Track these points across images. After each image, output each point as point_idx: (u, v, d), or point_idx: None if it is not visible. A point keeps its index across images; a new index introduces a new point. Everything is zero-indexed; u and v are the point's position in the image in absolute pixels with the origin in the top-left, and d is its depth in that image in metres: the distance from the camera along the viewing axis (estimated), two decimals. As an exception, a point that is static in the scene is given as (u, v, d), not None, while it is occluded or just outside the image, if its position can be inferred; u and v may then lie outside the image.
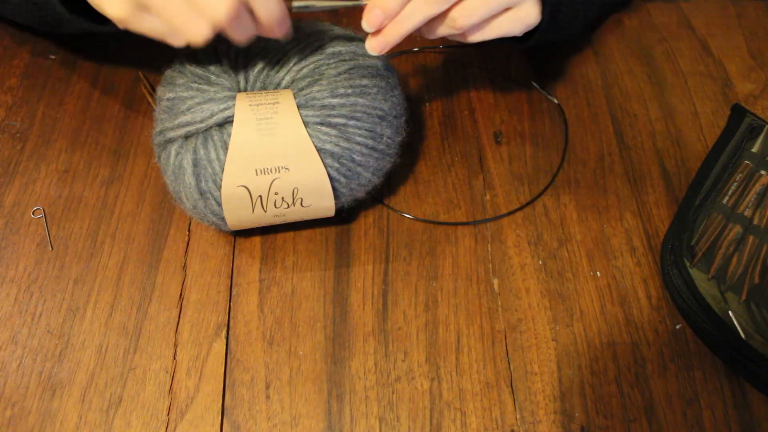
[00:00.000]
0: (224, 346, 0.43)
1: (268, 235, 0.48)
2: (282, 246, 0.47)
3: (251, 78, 0.42)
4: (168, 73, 0.44)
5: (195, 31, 0.37)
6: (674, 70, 0.58)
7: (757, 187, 0.47)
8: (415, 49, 0.59)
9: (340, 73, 0.42)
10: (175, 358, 0.42)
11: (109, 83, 0.56)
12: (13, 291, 0.45)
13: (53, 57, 0.58)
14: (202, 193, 0.41)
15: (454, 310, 0.44)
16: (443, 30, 0.42)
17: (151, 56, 0.57)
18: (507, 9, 0.42)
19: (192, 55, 0.44)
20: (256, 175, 0.40)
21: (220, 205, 0.41)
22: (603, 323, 0.44)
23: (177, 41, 0.38)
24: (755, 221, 0.46)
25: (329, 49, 0.43)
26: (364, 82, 0.42)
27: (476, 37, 0.43)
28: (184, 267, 0.46)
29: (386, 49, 0.41)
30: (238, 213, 0.41)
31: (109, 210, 0.49)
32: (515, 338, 0.43)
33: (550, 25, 0.45)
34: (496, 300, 0.45)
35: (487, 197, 0.50)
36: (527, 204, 0.49)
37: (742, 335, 0.41)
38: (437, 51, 0.59)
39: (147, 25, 0.38)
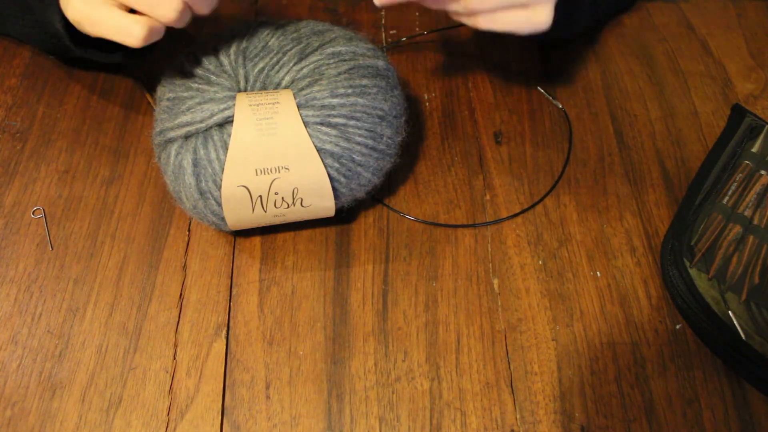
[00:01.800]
0: (224, 346, 0.43)
1: (268, 235, 0.48)
2: (282, 246, 0.47)
3: (251, 78, 0.42)
4: (168, 72, 0.44)
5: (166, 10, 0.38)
6: (674, 70, 0.58)
7: (757, 187, 0.47)
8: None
9: (340, 73, 0.42)
10: (175, 358, 0.42)
11: (109, 83, 0.56)
12: (13, 291, 0.45)
13: (53, 57, 0.58)
14: (202, 193, 0.41)
15: (454, 310, 0.44)
16: (452, 5, 0.42)
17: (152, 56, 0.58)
18: (522, 6, 0.42)
19: (192, 54, 0.44)
20: (256, 175, 0.40)
21: (220, 205, 0.41)
22: (603, 323, 0.44)
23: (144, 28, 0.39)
24: (755, 221, 0.46)
25: (329, 49, 0.43)
26: (364, 82, 0.42)
27: (484, 25, 0.42)
28: (184, 267, 0.46)
29: (390, 4, 0.41)
30: (238, 213, 0.41)
31: (109, 210, 0.49)
32: (515, 338, 0.43)
33: (558, 26, 0.45)
34: (496, 300, 0.45)
35: (487, 197, 0.50)
36: (528, 208, 0.49)
37: (742, 335, 0.41)
38: (436, 50, 0.59)
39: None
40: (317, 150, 0.40)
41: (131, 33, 0.38)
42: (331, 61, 0.42)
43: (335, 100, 0.41)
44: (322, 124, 0.41)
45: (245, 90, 0.42)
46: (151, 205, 0.49)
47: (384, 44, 0.59)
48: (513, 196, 0.50)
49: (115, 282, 0.45)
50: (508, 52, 0.59)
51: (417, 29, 0.60)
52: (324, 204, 0.43)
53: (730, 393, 0.41)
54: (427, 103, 0.55)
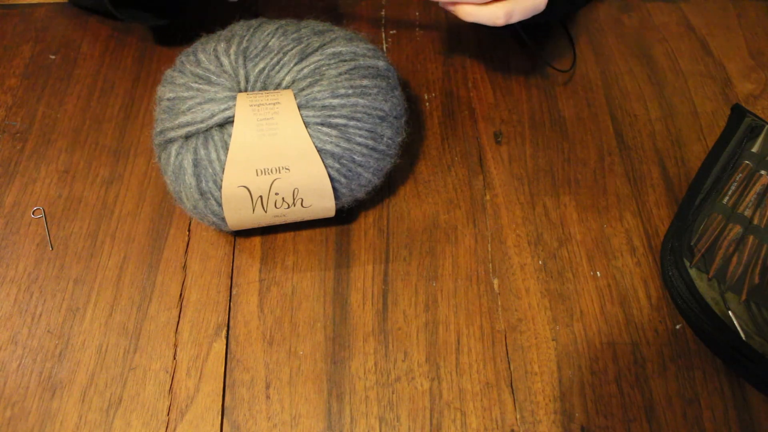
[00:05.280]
0: (224, 346, 0.43)
1: (268, 235, 0.48)
2: (282, 246, 0.47)
3: (252, 78, 0.42)
4: (168, 72, 0.44)
5: None
6: (674, 70, 0.58)
7: (757, 187, 0.47)
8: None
9: (340, 74, 0.42)
10: (175, 358, 0.42)
11: (109, 83, 0.56)
12: (13, 291, 0.45)
13: (53, 57, 0.58)
14: (202, 194, 0.41)
15: (454, 310, 0.44)
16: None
17: (152, 56, 0.58)
18: None
19: (192, 54, 0.44)
20: (257, 175, 0.40)
21: (220, 205, 0.41)
22: (603, 323, 0.44)
23: None
24: (755, 221, 0.46)
25: (330, 50, 0.43)
26: (365, 82, 0.42)
27: (504, 19, 0.45)
28: (184, 267, 0.46)
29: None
30: (238, 213, 0.41)
31: (109, 210, 0.49)
32: (515, 338, 0.43)
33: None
34: (496, 300, 0.45)
35: (487, 197, 0.50)
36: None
37: (742, 335, 0.41)
38: (436, 50, 0.59)
39: None
40: (318, 150, 0.40)
41: None
42: (332, 61, 0.42)
43: (336, 101, 0.41)
44: (322, 124, 0.41)
45: (246, 90, 0.42)
46: (151, 205, 0.49)
47: (384, 44, 0.59)
48: (513, 196, 0.50)
49: (115, 282, 0.45)
50: (508, 52, 0.59)
51: (417, 29, 0.60)
52: (324, 204, 0.43)
53: (730, 393, 0.42)
54: (427, 103, 0.55)
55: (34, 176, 0.50)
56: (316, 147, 0.40)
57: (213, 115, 0.40)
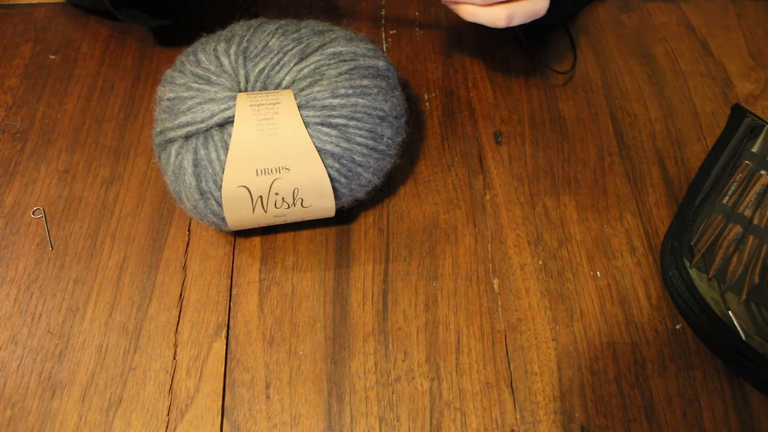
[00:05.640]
0: (224, 346, 0.43)
1: (268, 235, 0.48)
2: (282, 246, 0.47)
3: (252, 78, 0.42)
4: (168, 72, 0.44)
5: None
6: (674, 70, 0.58)
7: (757, 187, 0.47)
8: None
9: (340, 74, 0.42)
10: (175, 358, 0.42)
11: (109, 83, 0.56)
12: (13, 291, 0.45)
13: (53, 57, 0.58)
14: (202, 194, 0.41)
15: (454, 310, 0.44)
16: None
17: (152, 56, 0.58)
18: None
19: (192, 54, 0.44)
20: (257, 175, 0.40)
21: (220, 205, 0.41)
22: (603, 323, 0.44)
23: None
24: (755, 221, 0.46)
25: (330, 50, 0.43)
26: (365, 82, 0.42)
27: (504, 21, 0.44)
28: (184, 267, 0.46)
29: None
30: (238, 213, 0.41)
31: (109, 210, 0.49)
32: (515, 338, 0.43)
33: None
34: (496, 300, 0.45)
35: (487, 197, 0.50)
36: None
37: (742, 335, 0.41)
38: (436, 50, 0.59)
39: None
40: (318, 150, 0.40)
41: None
42: (332, 61, 0.42)
43: (336, 101, 0.41)
44: (322, 124, 0.41)
45: (246, 90, 0.42)
46: (151, 205, 0.49)
47: (384, 44, 0.59)
48: (513, 196, 0.50)
49: (115, 282, 0.45)
50: (508, 52, 0.59)
51: (417, 29, 0.60)
52: (324, 204, 0.43)
53: (730, 393, 0.42)
54: (427, 103, 0.55)
55: (34, 176, 0.50)
56: (316, 147, 0.40)
57: (213, 115, 0.40)
